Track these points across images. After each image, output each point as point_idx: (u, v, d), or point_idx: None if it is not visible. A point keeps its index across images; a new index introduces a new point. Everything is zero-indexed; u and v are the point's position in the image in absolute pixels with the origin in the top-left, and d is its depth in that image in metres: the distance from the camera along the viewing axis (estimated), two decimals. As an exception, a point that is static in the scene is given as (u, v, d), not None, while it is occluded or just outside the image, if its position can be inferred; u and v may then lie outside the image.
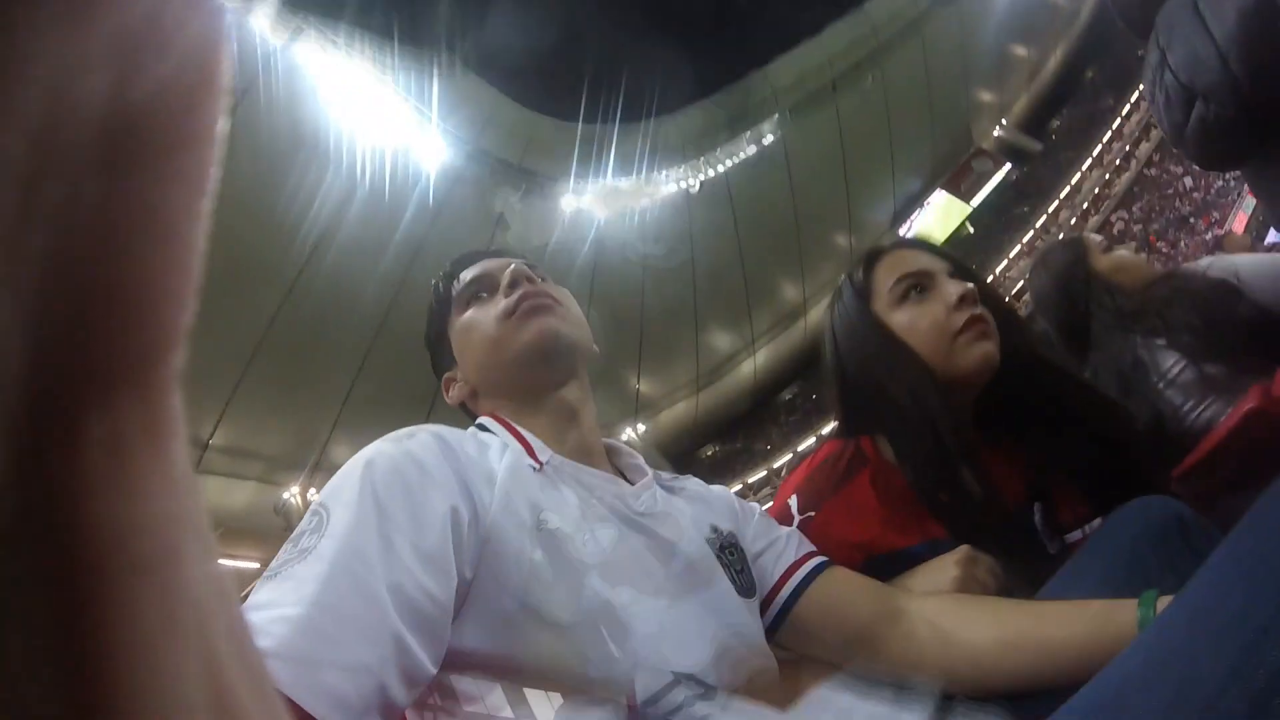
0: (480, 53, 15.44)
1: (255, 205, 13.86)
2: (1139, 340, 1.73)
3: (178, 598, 0.17)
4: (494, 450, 0.91)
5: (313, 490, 16.81)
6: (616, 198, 19.21)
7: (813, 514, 1.28)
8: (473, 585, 0.75)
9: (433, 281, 1.20)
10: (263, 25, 12.84)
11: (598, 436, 1.09)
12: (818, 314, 27.51)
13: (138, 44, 0.15)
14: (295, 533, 0.71)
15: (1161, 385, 1.64)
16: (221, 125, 0.17)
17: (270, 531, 15.88)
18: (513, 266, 1.09)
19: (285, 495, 16.60)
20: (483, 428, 1.03)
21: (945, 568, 1.11)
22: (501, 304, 1.07)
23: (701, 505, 1.11)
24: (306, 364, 16.19)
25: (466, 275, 1.15)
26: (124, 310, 0.16)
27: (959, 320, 1.30)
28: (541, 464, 0.94)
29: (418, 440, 0.83)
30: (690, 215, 21.29)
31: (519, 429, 1.00)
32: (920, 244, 1.45)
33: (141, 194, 0.16)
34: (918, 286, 1.36)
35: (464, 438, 0.90)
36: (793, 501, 1.33)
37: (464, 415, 1.16)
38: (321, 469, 17.40)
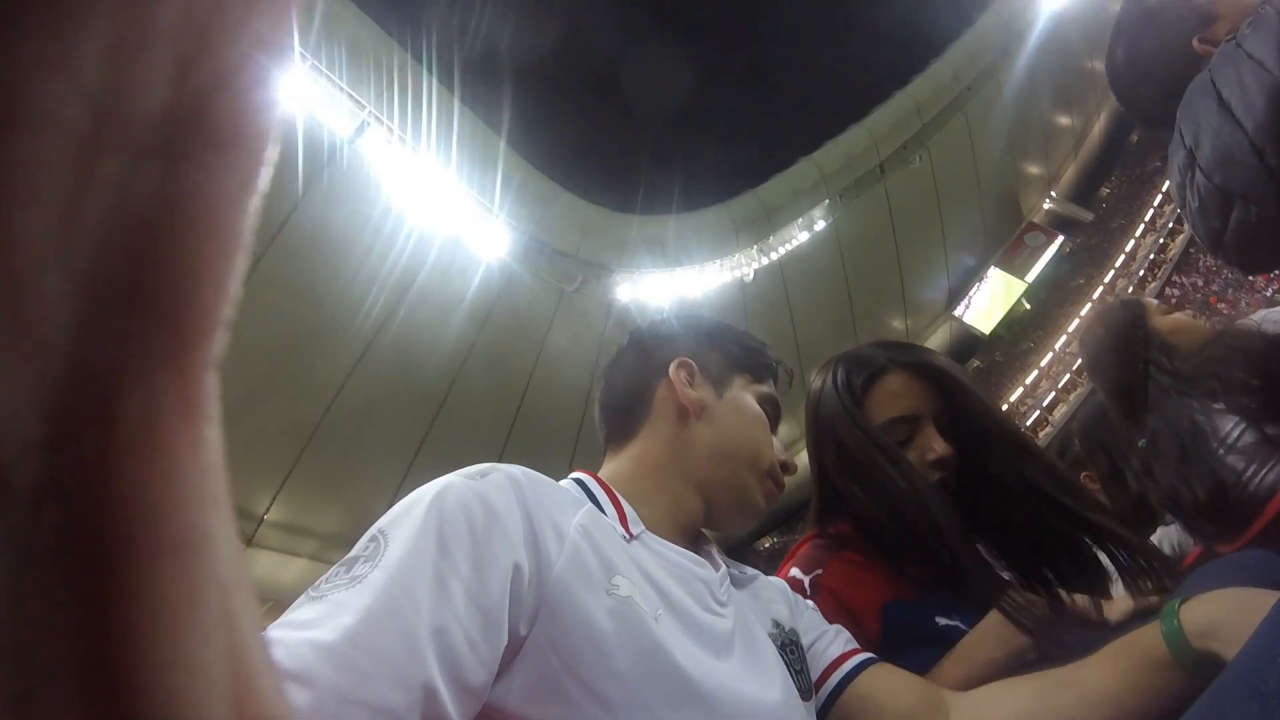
0: (538, 146, 15.80)
1: (320, 288, 14.18)
2: (1196, 405, 1.66)
3: (204, 578, 0.17)
4: (572, 504, 0.86)
5: None
6: (672, 286, 19.24)
7: (820, 571, 1.35)
8: (526, 641, 0.71)
9: (755, 339, 1.18)
10: (329, 118, 13.26)
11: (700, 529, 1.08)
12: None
13: (205, 26, 0.15)
14: (350, 556, 0.68)
15: (1221, 451, 1.58)
16: (278, 126, 0.17)
17: None
18: (793, 461, 1.13)
19: None
20: (582, 486, 0.97)
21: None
22: (773, 462, 1.09)
23: (764, 594, 1.10)
24: (364, 445, 16.20)
25: (773, 390, 1.16)
26: (169, 292, 0.16)
27: (931, 476, 1.38)
28: (632, 535, 0.90)
29: (491, 481, 0.77)
30: (745, 303, 21.18)
31: (622, 500, 0.95)
32: (919, 369, 1.48)
33: (196, 181, 0.16)
34: (904, 434, 1.42)
35: (541, 483, 0.83)
36: (795, 570, 1.40)
37: (644, 409, 1.09)
38: None
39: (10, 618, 0.15)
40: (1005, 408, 25.62)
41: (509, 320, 16.47)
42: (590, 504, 0.90)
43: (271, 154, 0.18)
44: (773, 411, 1.14)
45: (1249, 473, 1.54)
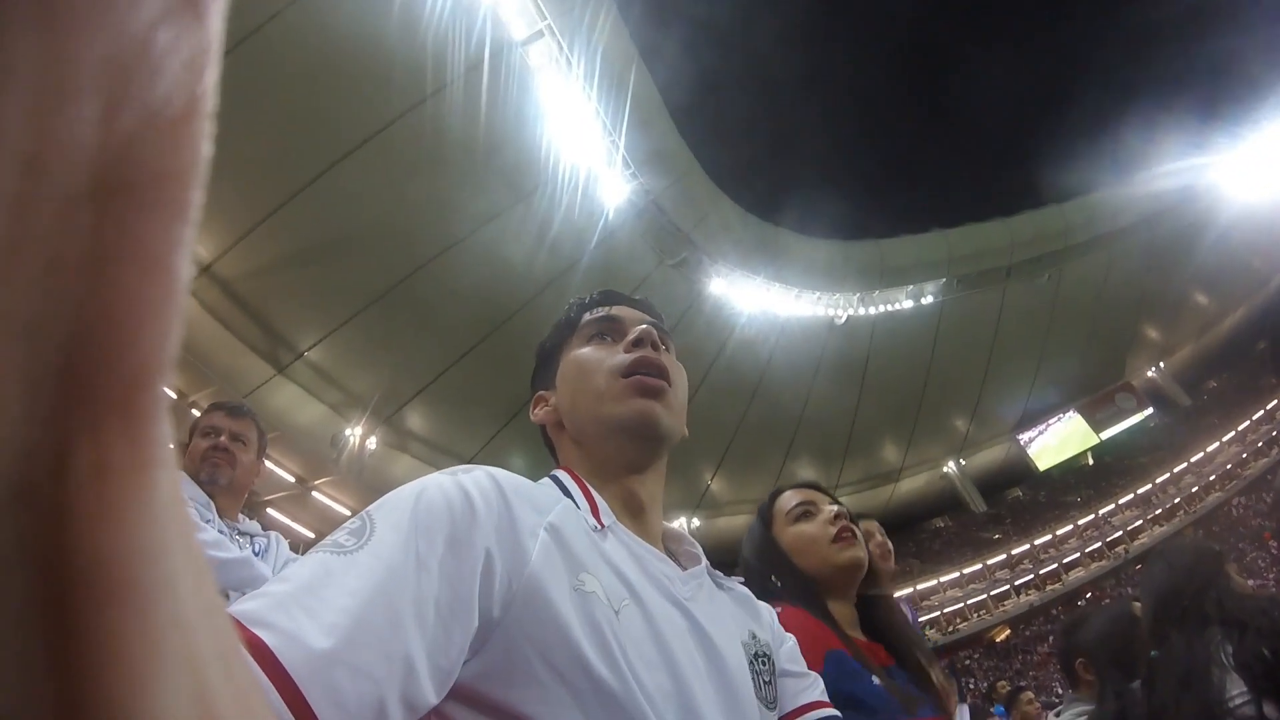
0: (693, 113, 15.69)
1: (447, 167, 14.29)
2: (1220, 650, 1.77)
3: (164, 626, 0.17)
4: (548, 503, 0.89)
5: (373, 438, 16.91)
6: (765, 298, 19.07)
7: (778, 611, 1.40)
8: (498, 628, 0.75)
9: (570, 301, 1.20)
10: (509, 15, 13.30)
11: (660, 521, 1.09)
12: (909, 485, 26.41)
13: (129, 70, 0.15)
14: (339, 529, 0.73)
15: (1218, 708, 1.69)
16: (206, 150, 0.17)
17: (318, 455, 16.28)
18: (644, 326, 1.08)
19: (347, 431, 16.57)
20: (556, 480, 1.02)
21: None
22: (618, 357, 1.05)
23: (748, 608, 1.12)
24: (419, 329, 16.34)
25: (600, 311, 1.14)
26: (110, 338, 0.16)
27: (833, 530, 1.72)
28: (604, 525, 0.94)
29: (473, 478, 0.82)
30: (825, 343, 20.92)
31: (591, 490, 1.00)
32: (816, 485, 1.91)
33: (129, 222, 0.16)
34: (806, 512, 1.79)
35: (518, 483, 0.88)
36: None
37: (541, 437, 1.18)
38: (391, 425, 17.47)
39: None
40: (1026, 548, 25.18)
41: (598, 269, 16.46)
42: (565, 499, 0.93)
43: (204, 182, 0.17)
44: (604, 316, 1.14)
45: None
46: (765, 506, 1.88)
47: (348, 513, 14.92)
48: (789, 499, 1.84)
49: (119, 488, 0.16)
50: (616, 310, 1.14)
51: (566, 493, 0.97)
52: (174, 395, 13.02)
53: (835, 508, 1.79)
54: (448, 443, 18.29)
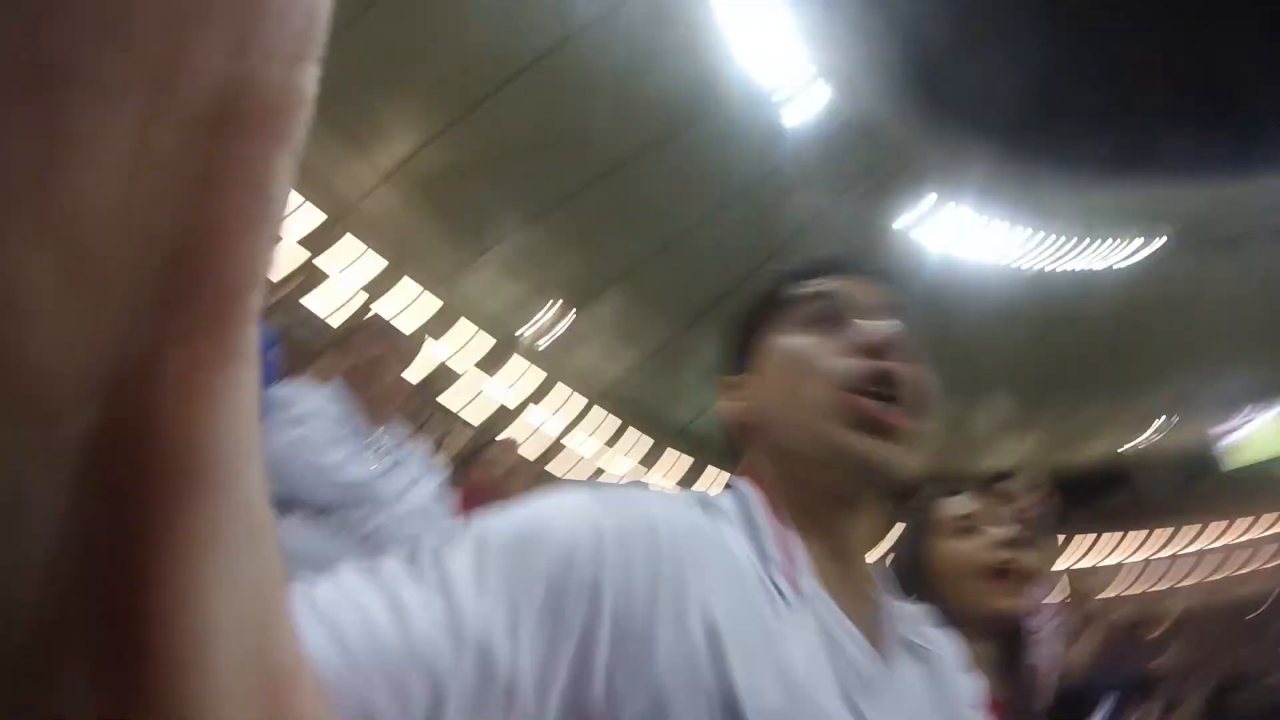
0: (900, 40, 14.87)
1: (625, 85, 14.22)
2: None
3: (232, 516, 0.18)
4: (715, 560, 0.70)
5: (560, 326, 17.43)
6: (957, 237, 18.19)
7: None
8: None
9: (777, 269, 0.96)
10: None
11: (866, 567, 0.86)
12: (1089, 458, 24.56)
13: (260, 9, 0.17)
14: (425, 542, 0.60)
15: None
16: (312, 91, 0.18)
17: (504, 342, 16.82)
18: (887, 325, 0.83)
19: (533, 320, 17.01)
20: (741, 502, 0.81)
21: None
22: (844, 363, 0.81)
23: (952, 684, 0.85)
24: (610, 227, 16.49)
25: (819, 284, 0.89)
26: (212, 251, 0.17)
27: (993, 561, 1.48)
28: (799, 593, 0.73)
29: (623, 528, 0.65)
30: (1020, 294, 19.56)
31: (789, 529, 0.79)
32: (997, 485, 1.84)
33: (239, 149, 0.17)
34: (969, 527, 1.54)
35: (682, 537, 0.69)
36: None
37: (725, 434, 0.95)
38: (582, 312, 17.83)
39: (57, 561, 0.16)
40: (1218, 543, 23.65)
41: (780, 194, 15.85)
42: (746, 549, 0.74)
43: (308, 118, 0.19)
44: (829, 292, 0.88)
45: None
46: (925, 509, 1.63)
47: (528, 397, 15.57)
48: (954, 506, 1.59)
49: (205, 389, 0.18)
50: (842, 285, 0.89)
51: (753, 529, 0.78)
52: (375, 271, 14.29)
53: (1006, 530, 1.51)
54: (634, 332, 18.47)
